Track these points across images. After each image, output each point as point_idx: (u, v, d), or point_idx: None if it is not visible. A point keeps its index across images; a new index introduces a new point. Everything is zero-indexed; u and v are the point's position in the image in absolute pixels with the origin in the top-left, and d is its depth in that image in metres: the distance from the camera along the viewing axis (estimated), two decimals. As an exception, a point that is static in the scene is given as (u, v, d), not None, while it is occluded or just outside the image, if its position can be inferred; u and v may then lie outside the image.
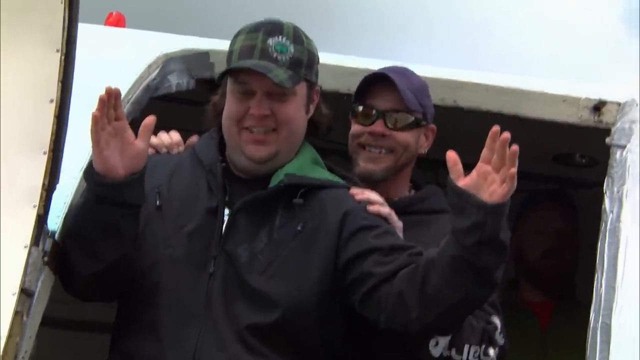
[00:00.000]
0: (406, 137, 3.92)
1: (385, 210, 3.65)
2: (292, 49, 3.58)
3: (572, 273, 4.99)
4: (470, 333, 3.62)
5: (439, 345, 3.60)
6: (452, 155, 3.36)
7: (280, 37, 3.59)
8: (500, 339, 3.69)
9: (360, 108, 3.94)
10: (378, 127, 3.91)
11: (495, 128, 3.32)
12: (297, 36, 3.62)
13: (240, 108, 3.59)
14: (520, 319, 4.76)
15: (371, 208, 3.62)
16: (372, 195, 3.67)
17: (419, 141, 3.97)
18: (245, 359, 3.45)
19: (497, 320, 3.72)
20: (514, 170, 3.27)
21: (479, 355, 3.62)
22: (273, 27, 3.60)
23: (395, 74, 3.95)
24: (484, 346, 3.64)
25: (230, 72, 3.59)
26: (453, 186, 3.33)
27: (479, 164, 3.32)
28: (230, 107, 3.62)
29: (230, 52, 3.63)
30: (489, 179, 3.30)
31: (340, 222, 3.55)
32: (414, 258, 3.45)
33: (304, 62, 3.61)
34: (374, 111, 3.92)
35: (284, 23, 3.64)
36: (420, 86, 3.98)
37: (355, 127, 3.96)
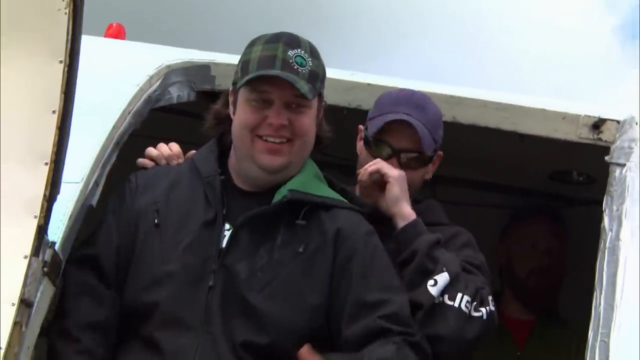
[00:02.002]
0: (415, 177, 3.92)
1: (381, 166, 3.77)
2: (310, 62, 3.59)
3: (557, 290, 4.99)
4: (465, 285, 3.65)
5: (437, 285, 3.63)
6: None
7: (299, 49, 3.59)
8: (491, 304, 3.70)
9: (377, 142, 3.92)
10: (392, 165, 3.88)
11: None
12: (313, 50, 3.63)
13: (257, 117, 3.58)
14: (496, 336, 4.76)
15: (370, 168, 3.72)
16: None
17: (427, 171, 3.98)
18: None
19: (489, 290, 3.73)
20: None
21: (470, 308, 3.63)
22: (291, 40, 3.61)
23: (412, 110, 3.91)
24: (475, 302, 3.65)
25: (249, 81, 3.57)
26: None
27: None
28: (244, 115, 3.60)
29: (247, 61, 3.61)
30: None
31: (334, 243, 3.55)
32: (379, 323, 3.47)
33: (320, 77, 3.63)
34: (389, 148, 3.91)
35: (300, 36, 3.64)
36: (437, 120, 3.97)
37: (366, 157, 3.94)
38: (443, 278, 3.63)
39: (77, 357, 3.48)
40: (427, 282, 3.62)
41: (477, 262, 3.82)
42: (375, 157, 3.92)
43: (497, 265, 4.97)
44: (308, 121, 3.61)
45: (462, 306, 3.62)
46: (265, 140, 3.58)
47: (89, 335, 3.51)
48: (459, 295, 3.62)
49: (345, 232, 3.57)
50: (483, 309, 3.66)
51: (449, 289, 3.63)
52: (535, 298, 4.94)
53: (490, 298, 3.71)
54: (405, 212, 3.75)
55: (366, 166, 3.81)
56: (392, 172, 3.78)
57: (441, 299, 3.62)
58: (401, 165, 3.90)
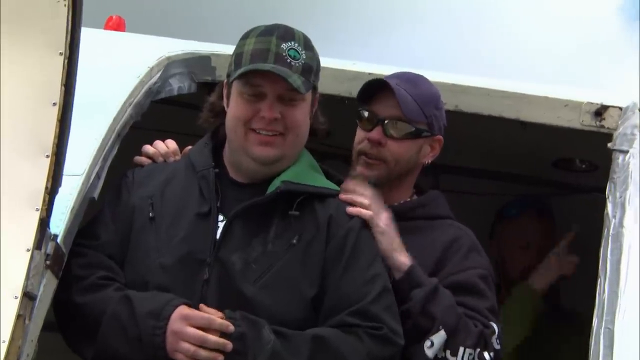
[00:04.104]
0: (401, 148, 3.89)
1: (366, 213, 3.63)
2: (304, 55, 3.58)
3: (555, 287, 4.95)
4: (466, 335, 3.63)
5: (433, 346, 3.61)
6: None
7: (293, 42, 3.58)
8: (496, 344, 3.69)
9: (364, 113, 3.93)
10: (375, 134, 3.89)
11: None
12: (307, 43, 3.62)
13: (250, 110, 3.58)
14: None
15: (350, 210, 3.61)
16: (357, 197, 3.65)
17: (422, 152, 3.94)
18: None
19: (495, 325, 3.72)
20: None
21: (473, 358, 3.63)
22: (285, 32, 3.59)
23: (401, 81, 3.92)
24: (478, 349, 3.64)
25: (242, 74, 3.57)
26: None
27: None
28: (238, 108, 3.60)
29: (240, 54, 3.61)
30: None
31: (326, 232, 3.54)
32: (347, 320, 3.45)
33: (314, 69, 3.61)
34: (374, 118, 3.91)
35: (294, 29, 3.63)
36: (429, 96, 3.94)
37: (358, 133, 3.95)
38: (439, 337, 3.61)
39: (113, 292, 3.51)
40: (424, 343, 3.61)
41: (480, 286, 3.77)
42: (363, 130, 3.91)
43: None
44: (301, 114, 3.60)
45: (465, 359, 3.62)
46: (259, 133, 3.57)
47: (104, 271, 3.56)
48: (461, 349, 3.62)
49: (336, 221, 3.57)
50: (487, 355, 3.65)
51: (450, 344, 3.61)
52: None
53: (495, 337, 3.69)
54: (398, 263, 3.68)
55: (354, 210, 3.64)
56: (380, 224, 3.67)
57: (443, 354, 3.62)
58: (386, 135, 3.88)
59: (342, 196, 3.63)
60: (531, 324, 4.70)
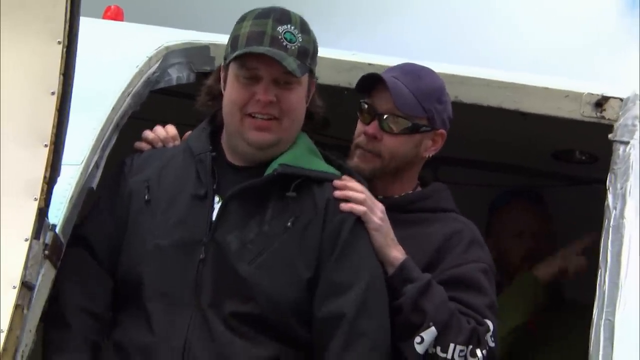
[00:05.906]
0: (397, 143, 3.85)
1: (360, 209, 3.60)
2: (300, 38, 3.57)
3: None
4: (457, 332, 3.60)
5: (423, 342, 3.59)
6: None
7: (289, 25, 3.57)
8: (490, 341, 3.66)
9: (364, 106, 3.90)
10: (371, 128, 3.86)
11: None
12: (304, 26, 3.61)
13: (245, 93, 3.57)
14: None
15: (343, 206, 3.58)
16: (350, 193, 3.62)
17: (422, 146, 3.90)
18: (234, 343, 3.46)
19: (489, 323, 3.69)
20: None
21: (465, 355, 3.60)
22: (282, 15, 3.59)
23: (401, 74, 3.88)
24: (471, 347, 3.61)
25: (238, 57, 3.56)
26: None
27: None
28: (234, 92, 3.60)
29: (236, 37, 3.60)
30: None
31: (323, 215, 3.54)
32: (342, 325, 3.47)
33: (310, 53, 3.60)
34: (372, 111, 3.88)
35: (291, 12, 3.62)
36: (431, 89, 3.89)
37: (358, 126, 3.92)
38: (430, 334, 3.59)
39: (70, 343, 3.50)
40: (414, 339, 3.59)
41: (481, 281, 3.74)
42: (362, 123, 3.88)
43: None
44: (296, 98, 3.59)
45: (456, 357, 3.59)
46: (254, 117, 3.56)
47: (81, 319, 3.53)
48: (451, 346, 3.58)
49: (335, 205, 3.56)
50: (479, 352, 3.62)
51: (441, 340, 3.59)
52: None
53: (489, 334, 3.66)
54: (391, 258, 3.65)
55: (346, 207, 3.61)
56: (374, 220, 3.64)
57: (434, 350, 3.59)
58: (383, 130, 3.84)
59: (336, 193, 3.60)
60: (528, 311, 4.67)
